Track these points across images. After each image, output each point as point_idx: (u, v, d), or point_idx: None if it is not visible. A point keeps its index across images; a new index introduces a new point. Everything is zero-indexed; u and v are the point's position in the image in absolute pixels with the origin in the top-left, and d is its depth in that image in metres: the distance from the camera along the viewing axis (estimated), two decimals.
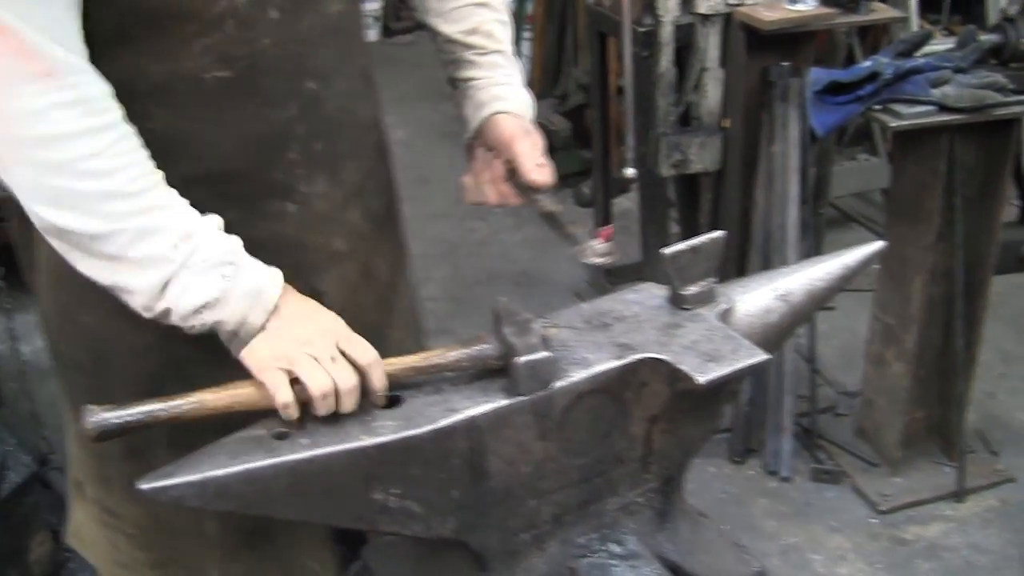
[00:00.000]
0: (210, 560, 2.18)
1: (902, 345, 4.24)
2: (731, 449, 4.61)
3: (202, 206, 1.79)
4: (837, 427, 4.73)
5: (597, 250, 1.80)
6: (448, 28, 2.30)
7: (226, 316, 1.73)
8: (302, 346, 1.72)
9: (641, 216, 5.57)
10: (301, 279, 1.90)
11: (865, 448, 4.56)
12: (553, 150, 7.41)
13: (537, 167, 2.05)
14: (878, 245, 2.36)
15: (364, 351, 1.75)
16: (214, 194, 1.88)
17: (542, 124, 7.89)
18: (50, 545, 3.98)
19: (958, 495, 4.31)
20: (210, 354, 1.83)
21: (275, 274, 1.79)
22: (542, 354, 1.77)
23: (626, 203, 6.97)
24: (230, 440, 1.72)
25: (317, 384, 1.69)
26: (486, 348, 1.81)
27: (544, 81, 7.72)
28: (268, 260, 1.84)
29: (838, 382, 5.04)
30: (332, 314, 1.81)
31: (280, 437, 1.71)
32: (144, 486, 1.64)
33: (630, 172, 4.92)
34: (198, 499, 1.65)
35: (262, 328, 1.75)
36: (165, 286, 1.70)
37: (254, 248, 1.83)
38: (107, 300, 1.80)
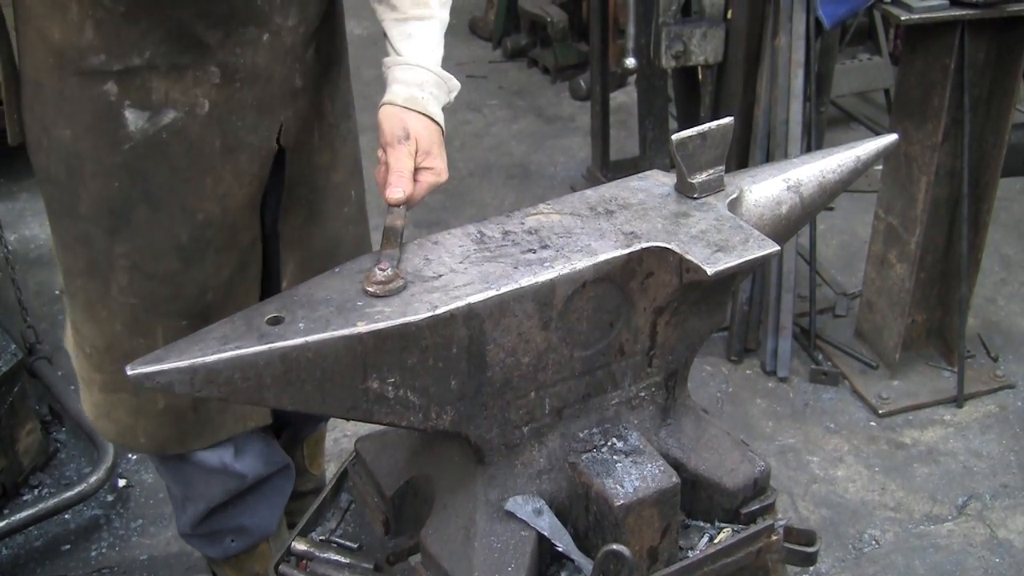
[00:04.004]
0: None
1: (905, 246, 4.19)
2: (728, 348, 4.58)
3: (186, 24, 2.06)
4: (836, 328, 4.70)
5: (378, 277, 1.74)
6: None
7: None
8: None
9: (639, 110, 5.48)
10: (267, 111, 2.25)
11: (864, 350, 4.52)
12: (549, 42, 7.35)
13: (392, 186, 2.00)
14: (891, 138, 2.30)
15: None
16: (199, 12, 2.08)
17: (538, 15, 7.78)
18: (39, 435, 3.95)
19: (957, 400, 4.28)
20: (177, 176, 2.19)
21: None
22: None
23: (623, 97, 6.89)
24: (221, 324, 1.66)
25: None
26: None
27: None
28: (239, 93, 2.19)
29: (837, 283, 5.00)
30: None
31: (274, 322, 1.65)
32: (132, 372, 1.57)
33: (631, 62, 4.82)
34: (187, 385, 1.59)
35: None
36: None
37: (228, 81, 2.15)
38: (82, 116, 2.13)
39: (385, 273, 1.74)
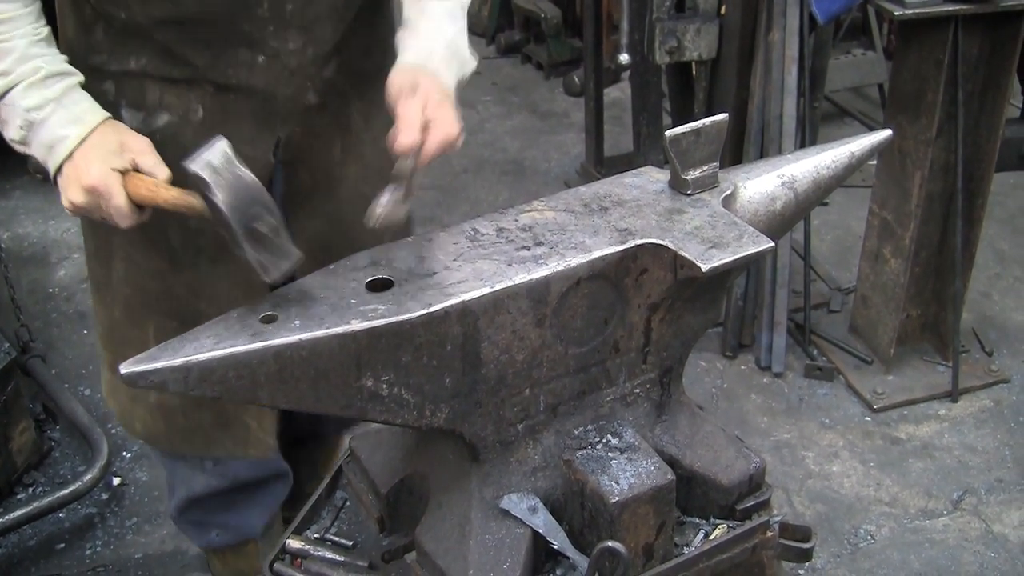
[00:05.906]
0: None
1: (899, 241, 4.18)
2: (723, 343, 4.57)
3: (172, 47, 2.11)
4: (830, 323, 4.70)
5: (381, 202, 1.74)
6: None
7: (33, 154, 1.97)
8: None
9: (633, 106, 5.48)
10: (266, 126, 2.25)
11: (859, 345, 4.52)
12: (543, 38, 7.33)
13: (402, 132, 1.90)
14: (885, 134, 2.30)
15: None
16: (185, 37, 2.11)
17: (531, 11, 7.76)
18: (33, 434, 3.94)
19: (952, 395, 4.28)
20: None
21: (77, 128, 1.95)
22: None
23: (616, 93, 6.88)
24: (215, 323, 1.66)
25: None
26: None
27: None
28: (236, 104, 2.19)
29: (831, 278, 5.00)
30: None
31: (268, 321, 1.65)
32: (125, 370, 1.57)
33: (624, 58, 4.81)
34: (181, 384, 1.59)
35: (64, 163, 1.94)
36: None
37: (223, 92, 2.15)
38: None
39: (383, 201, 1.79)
